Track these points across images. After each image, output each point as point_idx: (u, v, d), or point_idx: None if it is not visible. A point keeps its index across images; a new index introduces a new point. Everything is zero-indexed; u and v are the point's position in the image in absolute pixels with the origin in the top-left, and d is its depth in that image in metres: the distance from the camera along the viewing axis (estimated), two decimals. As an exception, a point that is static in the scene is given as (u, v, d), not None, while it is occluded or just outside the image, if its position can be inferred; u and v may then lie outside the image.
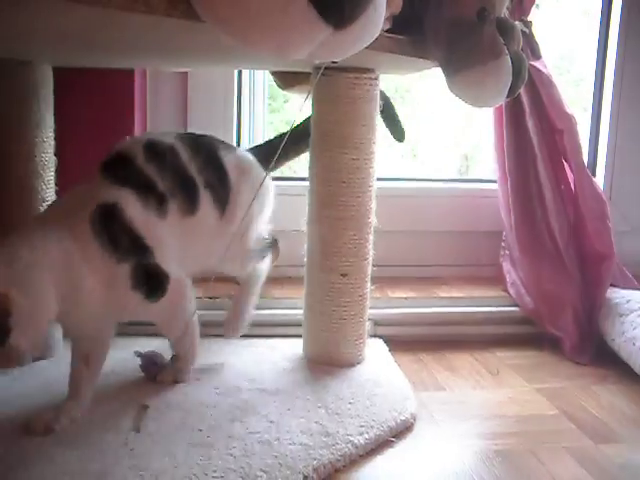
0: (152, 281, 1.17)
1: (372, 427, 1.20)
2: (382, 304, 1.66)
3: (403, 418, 1.26)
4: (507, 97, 1.22)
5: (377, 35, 0.87)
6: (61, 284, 1.04)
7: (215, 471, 1.04)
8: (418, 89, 2.35)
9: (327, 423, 1.20)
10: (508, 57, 1.17)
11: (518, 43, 1.22)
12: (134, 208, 1.13)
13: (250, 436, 1.15)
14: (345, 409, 1.26)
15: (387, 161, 2.24)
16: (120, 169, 1.17)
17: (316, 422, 1.20)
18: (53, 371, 1.36)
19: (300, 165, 2.02)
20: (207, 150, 1.30)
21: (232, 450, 1.10)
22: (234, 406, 1.25)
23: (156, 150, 1.21)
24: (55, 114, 1.43)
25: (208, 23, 0.76)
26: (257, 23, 0.74)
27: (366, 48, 0.90)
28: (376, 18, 0.83)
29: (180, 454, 1.08)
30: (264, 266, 1.46)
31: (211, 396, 1.30)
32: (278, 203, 1.45)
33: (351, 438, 1.16)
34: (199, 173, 1.25)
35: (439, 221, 1.94)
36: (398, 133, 1.56)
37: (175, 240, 1.21)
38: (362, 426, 1.20)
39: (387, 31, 1.07)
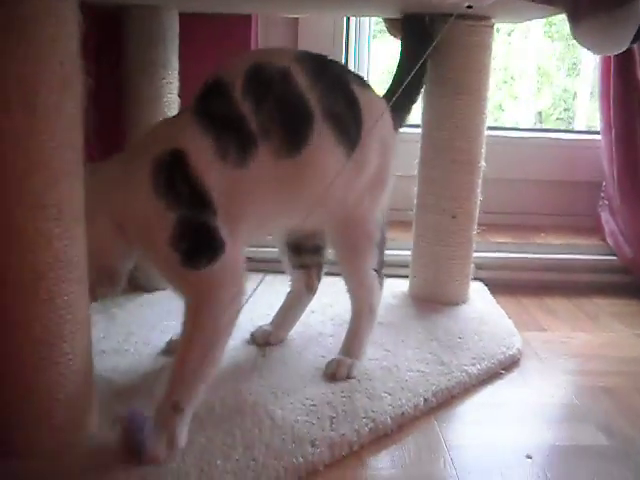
0: (197, 244, 0.96)
1: (483, 359, 1.27)
2: (483, 248, 1.71)
3: (511, 353, 1.32)
4: (631, 43, 1.23)
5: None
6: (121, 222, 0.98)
7: (342, 392, 1.12)
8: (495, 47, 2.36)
9: (440, 354, 1.27)
10: (637, 3, 1.18)
11: (647, -11, 1.23)
12: (205, 156, 0.97)
13: (370, 362, 1.23)
14: (456, 342, 1.33)
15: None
16: (211, 102, 1.02)
17: (430, 353, 1.27)
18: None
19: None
20: (335, 76, 1.12)
21: (361, 375, 1.18)
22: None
23: (261, 76, 1.02)
24: (179, 57, 1.51)
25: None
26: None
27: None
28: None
29: (307, 376, 1.17)
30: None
31: (327, 327, 1.39)
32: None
33: (465, 367, 1.23)
34: (319, 101, 1.05)
35: (539, 170, 1.96)
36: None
37: (265, 191, 1.03)
38: (474, 358, 1.27)
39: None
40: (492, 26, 1.43)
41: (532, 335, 1.46)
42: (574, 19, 1.21)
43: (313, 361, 1.23)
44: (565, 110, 2.43)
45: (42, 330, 0.88)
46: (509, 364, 1.30)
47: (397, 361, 1.23)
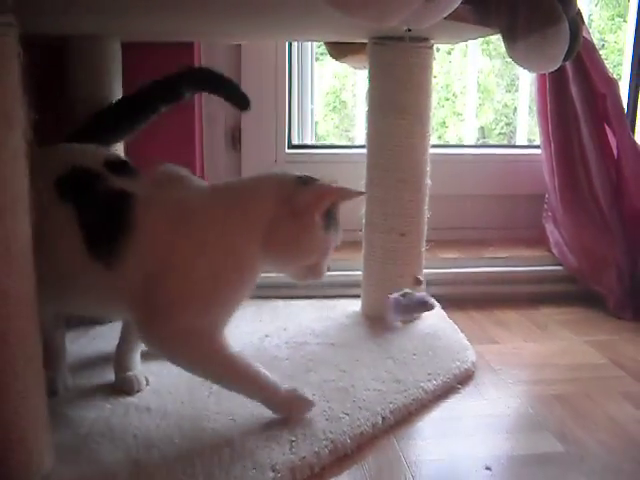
0: None
1: (438, 374, 1.28)
2: (432, 264, 1.73)
3: (465, 367, 1.34)
4: (563, 61, 1.28)
5: (457, 4, 0.94)
6: None
7: (301, 415, 1.12)
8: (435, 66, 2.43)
9: (396, 372, 1.28)
10: (566, 22, 1.22)
11: (574, 8, 1.28)
12: None
13: (326, 384, 1.23)
14: (410, 359, 1.34)
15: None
16: None
17: (386, 371, 1.28)
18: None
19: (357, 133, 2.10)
20: None
21: (313, 397, 1.17)
22: (306, 358, 1.34)
23: None
24: (123, 86, 1.51)
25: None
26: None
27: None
28: (459, -12, 0.90)
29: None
30: None
31: (282, 350, 1.39)
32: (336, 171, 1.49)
33: (421, 384, 1.24)
34: None
35: (483, 185, 2.01)
36: (242, 102, 1.36)
37: None
38: (429, 374, 1.28)
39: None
40: (431, 47, 1.46)
41: (485, 348, 1.49)
42: (509, 39, 1.25)
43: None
44: (507, 125, 2.51)
45: (-8, 369, 0.86)
46: (464, 378, 1.32)
47: (353, 381, 1.24)
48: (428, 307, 1.48)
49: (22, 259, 0.87)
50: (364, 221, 1.55)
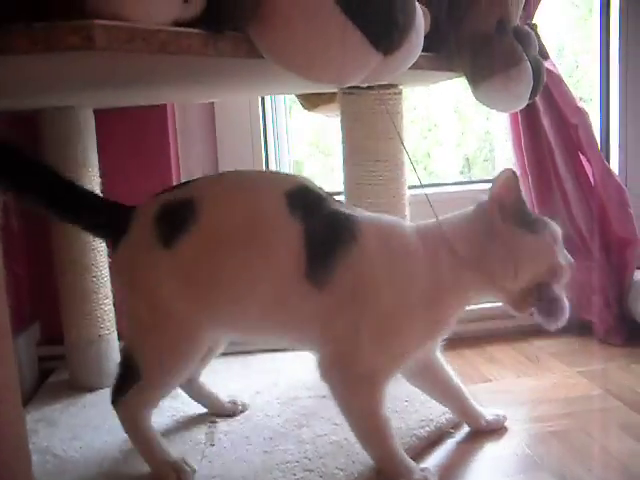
0: None
1: (431, 420, 1.27)
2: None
3: (458, 411, 1.33)
4: (529, 100, 1.30)
5: (418, 55, 0.95)
6: None
7: (295, 474, 1.11)
8: (415, 97, 2.46)
9: (389, 419, 1.27)
10: (528, 62, 1.25)
11: (535, 48, 1.30)
12: None
13: (319, 439, 1.22)
14: (403, 407, 1.33)
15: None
16: None
17: (378, 420, 1.27)
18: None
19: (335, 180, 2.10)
20: None
21: (306, 453, 1.17)
22: (298, 413, 1.33)
23: None
24: (98, 152, 1.52)
25: (270, 60, 0.84)
26: (317, 58, 0.82)
27: (403, 68, 0.98)
28: (417, 41, 0.92)
29: (257, 461, 1.16)
30: None
31: (274, 406, 1.37)
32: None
33: (414, 432, 1.23)
34: None
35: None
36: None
37: None
38: (422, 420, 1.27)
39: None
40: (400, 92, 1.48)
41: (478, 387, 1.48)
42: (473, 82, 1.27)
43: (262, 445, 1.22)
44: (490, 151, 2.52)
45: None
46: (457, 421, 1.31)
47: (346, 434, 1.21)
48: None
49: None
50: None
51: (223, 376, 1.39)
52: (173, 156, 1.73)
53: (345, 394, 1.08)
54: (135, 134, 1.63)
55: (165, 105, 1.67)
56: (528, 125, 1.80)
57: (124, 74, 0.93)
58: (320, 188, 1.10)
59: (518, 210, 1.06)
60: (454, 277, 1.06)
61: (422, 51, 1.11)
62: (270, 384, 1.47)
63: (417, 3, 0.91)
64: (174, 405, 1.39)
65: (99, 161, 1.50)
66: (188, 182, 1.12)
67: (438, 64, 1.21)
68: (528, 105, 1.40)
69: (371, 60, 0.84)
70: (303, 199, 1.05)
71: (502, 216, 1.04)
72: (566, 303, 1.08)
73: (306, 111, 1.72)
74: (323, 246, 1.03)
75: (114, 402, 1.12)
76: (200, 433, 1.28)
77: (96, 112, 1.51)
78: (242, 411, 1.34)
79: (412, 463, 1.09)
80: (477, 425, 1.28)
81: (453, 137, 2.34)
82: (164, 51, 0.76)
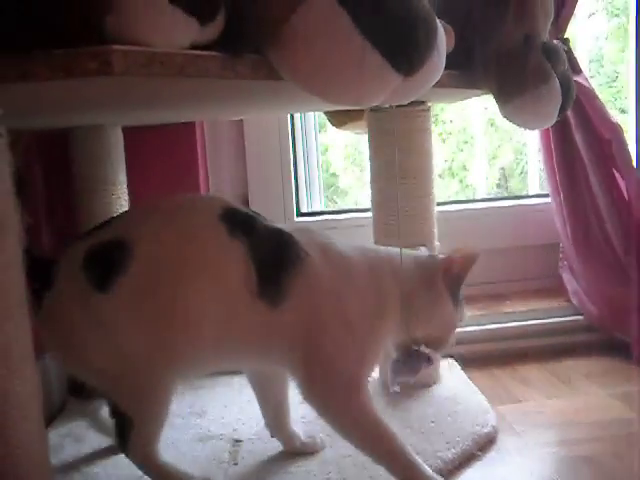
0: None
1: (458, 442, 1.25)
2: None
3: (486, 431, 1.30)
4: (558, 116, 1.28)
5: (440, 74, 0.94)
6: None
7: (318, 495, 1.10)
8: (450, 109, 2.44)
9: (414, 441, 1.24)
10: (556, 79, 1.23)
11: (564, 64, 1.28)
12: None
13: (343, 460, 1.21)
14: (429, 427, 1.31)
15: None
16: None
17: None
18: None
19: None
20: None
21: (329, 475, 1.16)
22: (323, 433, 1.31)
23: None
24: (127, 170, 1.54)
25: (290, 82, 0.84)
26: (336, 80, 0.82)
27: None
28: (439, 61, 0.91)
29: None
30: None
31: (299, 426, 1.36)
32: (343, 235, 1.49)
33: (439, 454, 1.21)
34: None
35: (496, 238, 1.99)
36: None
37: None
38: (448, 442, 1.25)
39: (442, 67, 1.14)
40: (428, 109, 1.47)
41: (507, 408, 1.45)
42: (501, 100, 1.26)
43: (285, 465, 1.21)
44: (527, 163, 2.48)
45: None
46: (485, 443, 1.28)
47: (371, 456, 1.21)
48: (429, 362, 1.28)
49: (22, 364, 0.88)
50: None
51: (249, 392, 1.38)
52: (202, 173, 1.74)
53: (331, 408, 1.08)
54: (164, 151, 1.65)
55: (194, 122, 1.69)
56: (560, 141, 1.77)
57: (145, 96, 0.95)
58: (244, 207, 1.10)
59: (458, 284, 1.14)
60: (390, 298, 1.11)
61: (446, 69, 1.10)
62: (297, 402, 1.45)
63: (439, 21, 0.90)
64: (199, 422, 1.40)
65: (127, 178, 1.52)
66: (107, 222, 1.08)
67: (463, 82, 1.20)
68: (558, 121, 1.38)
69: (391, 82, 0.84)
70: (237, 219, 1.04)
71: (444, 278, 1.12)
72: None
73: (334, 128, 1.72)
74: (270, 263, 1.02)
75: (123, 451, 1.09)
76: (224, 451, 1.28)
77: (125, 129, 1.53)
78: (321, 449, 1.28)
79: (428, 469, 1.07)
80: (291, 445, 1.26)
81: (489, 149, 2.31)
82: (182, 74, 0.76)
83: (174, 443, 1.31)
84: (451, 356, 1.68)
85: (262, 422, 1.28)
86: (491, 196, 2.34)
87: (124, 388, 1.03)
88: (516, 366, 1.70)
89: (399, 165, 1.45)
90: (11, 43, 0.70)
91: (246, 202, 1.91)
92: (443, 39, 0.91)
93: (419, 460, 1.06)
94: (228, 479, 1.17)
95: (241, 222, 1.04)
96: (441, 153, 2.42)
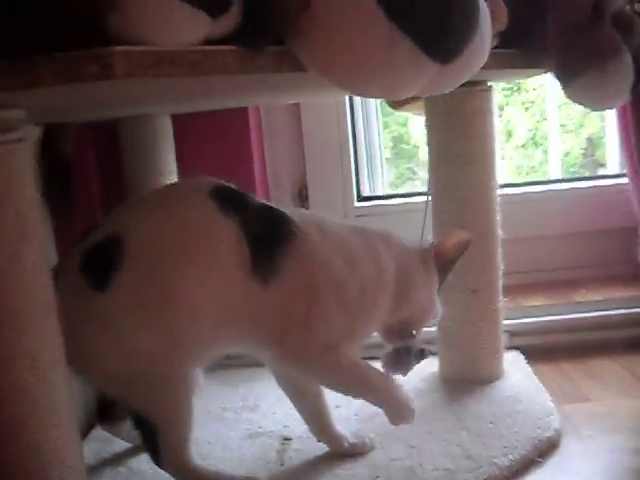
0: None
1: (515, 447, 1.17)
2: (517, 314, 1.62)
3: (547, 435, 1.22)
4: (632, 94, 1.16)
5: (485, 59, 0.86)
6: None
7: (365, 501, 1.06)
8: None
9: (469, 445, 1.18)
10: (628, 53, 1.11)
11: (637, 36, 1.16)
12: None
13: (392, 463, 1.16)
14: (486, 429, 1.24)
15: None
16: None
17: (458, 445, 1.19)
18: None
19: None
20: None
21: (377, 479, 1.11)
22: (374, 432, 1.26)
23: None
24: (177, 159, 1.51)
25: (314, 73, 0.78)
26: (361, 69, 0.76)
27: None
28: (483, 45, 0.83)
29: (328, 485, 1.11)
30: None
31: (352, 423, 1.31)
32: (405, 220, 1.37)
33: (495, 460, 1.14)
34: None
35: (567, 222, 1.86)
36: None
37: None
38: (505, 447, 1.17)
39: (495, 47, 1.05)
40: (489, 89, 1.37)
41: (574, 408, 1.35)
42: (564, 78, 1.15)
43: (332, 466, 1.17)
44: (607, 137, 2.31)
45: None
46: (546, 448, 1.20)
47: (421, 459, 1.15)
48: (423, 356, 1.20)
49: (51, 369, 0.86)
50: (437, 277, 1.46)
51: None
52: (257, 158, 1.70)
53: (319, 372, 1.09)
54: (215, 137, 1.61)
55: (247, 108, 1.64)
56: (637, 119, 1.63)
57: (163, 93, 0.91)
58: (235, 186, 1.07)
59: (446, 270, 1.18)
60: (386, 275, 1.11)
61: (502, 48, 1.01)
62: (350, 399, 1.41)
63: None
64: (251, 418, 1.37)
65: (178, 166, 1.50)
66: (99, 224, 1.05)
67: (520, 61, 1.10)
68: (636, 99, 1.26)
69: (426, 70, 0.76)
70: (228, 196, 1.02)
71: (438, 261, 1.15)
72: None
73: (392, 109, 1.64)
74: (263, 238, 1.01)
75: (157, 464, 1.06)
76: (272, 450, 1.24)
77: (173, 116, 1.50)
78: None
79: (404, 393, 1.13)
80: (338, 447, 1.20)
81: (575, 118, 2.16)
82: (195, 73, 0.72)
83: (223, 440, 1.30)
84: (517, 348, 1.60)
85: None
86: (566, 176, 2.19)
87: (140, 389, 1.00)
88: (587, 360, 1.59)
89: (458, 149, 1.37)
90: (14, 47, 0.67)
91: (305, 189, 1.86)
92: (487, 20, 0.83)
93: (402, 393, 1.12)
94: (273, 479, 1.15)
95: (232, 199, 1.02)
96: (524, 122, 2.30)
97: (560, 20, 1.12)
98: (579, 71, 1.13)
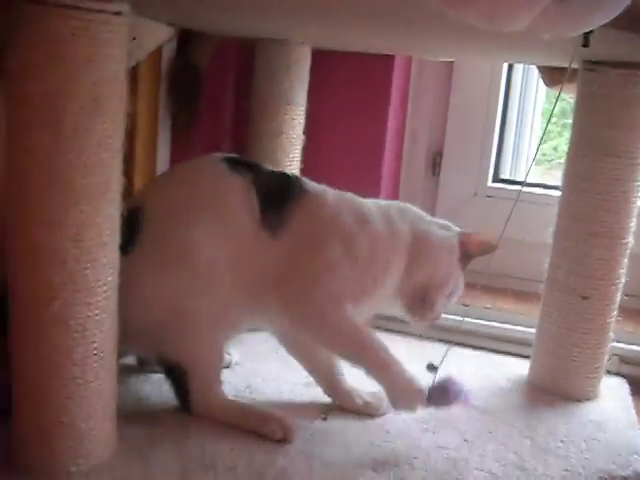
0: None
1: (579, 474, 1.04)
2: (633, 339, 1.44)
3: (622, 474, 1.06)
4: None
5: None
6: None
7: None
8: None
9: (527, 457, 1.07)
10: None
11: None
12: None
13: (437, 450, 1.07)
14: (554, 446, 1.11)
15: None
16: None
17: (515, 452, 1.08)
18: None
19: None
20: None
21: (413, 461, 1.03)
22: (431, 415, 1.15)
23: None
24: (310, 94, 1.47)
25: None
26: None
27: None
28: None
29: (357, 451, 1.05)
30: None
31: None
32: (526, 212, 1.26)
33: (548, 480, 1.01)
34: None
35: None
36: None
37: None
38: (567, 470, 1.04)
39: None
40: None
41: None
42: None
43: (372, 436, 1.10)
44: None
45: (50, 350, 0.86)
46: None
47: (470, 455, 1.05)
48: (462, 398, 1.08)
49: (96, 248, 0.86)
50: (546, 275, 1.32)
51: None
52: (394, 112, 1.62)
53: (317, 319, 1.08)
54: (354, 80, 1.55)
55: (392, 58, 1.56)
56: None
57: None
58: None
59: (469, 259, 1.16)
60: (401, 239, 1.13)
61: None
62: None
63: None
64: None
65: (308, 101, 1.45)
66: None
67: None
68: None
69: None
70: (240, 162, 1.11)
71: (462, 255, 1.15)
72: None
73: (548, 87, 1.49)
74: (274, 194, 1.08)
75: (188, 410, 1.08)
76: (320, 405, 1.18)
77: (315, 52, 1.45)
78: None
79: (407, 375, 1.06)
80: (351, 405, 1.17)
81: None
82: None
83: (278, 380, 1.27)
84: (624, 376, 1.42)
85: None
86: None
87: (168, 337, 1.05)
88: None
89: (602, 137, 1.22)
90: None
91: (439, 157, 1.76)
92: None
93: (407, 374, 1.06)
94: (310, 431, 1.09)
95: (243, 163, 1.11)
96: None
97: None
98: None
